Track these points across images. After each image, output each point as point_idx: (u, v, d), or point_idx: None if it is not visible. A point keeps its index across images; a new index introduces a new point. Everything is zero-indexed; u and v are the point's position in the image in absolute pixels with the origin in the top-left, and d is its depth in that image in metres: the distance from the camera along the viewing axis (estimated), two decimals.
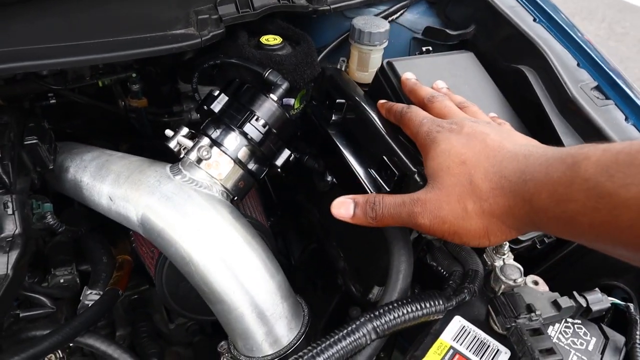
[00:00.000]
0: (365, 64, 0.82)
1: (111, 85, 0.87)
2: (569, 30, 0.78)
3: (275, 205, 1.00)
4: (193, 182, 0.61)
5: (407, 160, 0.62)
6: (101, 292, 0.71)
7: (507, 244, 0.61)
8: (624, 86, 0.72)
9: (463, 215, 0.47)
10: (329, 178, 0.74)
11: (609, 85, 0.72)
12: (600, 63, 0.74)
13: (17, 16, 0.59)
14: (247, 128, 0.61)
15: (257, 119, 0.61)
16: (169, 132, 0.64)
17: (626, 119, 0.69)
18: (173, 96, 1.02)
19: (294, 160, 0.68)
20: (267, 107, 0.63)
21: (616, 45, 3.50)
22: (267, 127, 0.62)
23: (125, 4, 0.61)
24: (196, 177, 0.61)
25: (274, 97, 0.65)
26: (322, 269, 0.96)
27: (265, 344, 0.60)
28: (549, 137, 0.71)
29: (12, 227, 0.59)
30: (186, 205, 0.58)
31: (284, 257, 1.04)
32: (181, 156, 0.63)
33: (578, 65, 0.74)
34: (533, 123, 0.74)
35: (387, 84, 0.75)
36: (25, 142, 0.67)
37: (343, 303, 0.89)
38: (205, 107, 0.62)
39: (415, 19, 0.90)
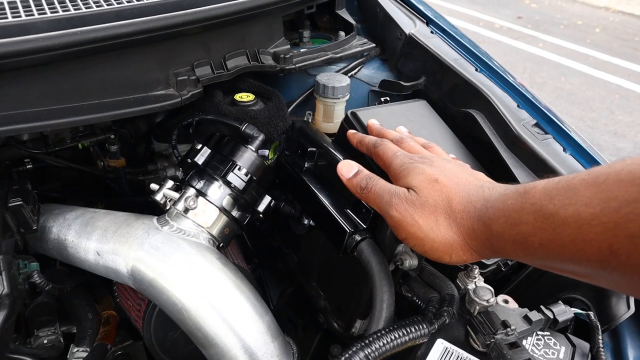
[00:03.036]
0: (330, 116, 0.85)
1: (89, 147, 0.86)
2: (506, 77, 0.84)
3: (251, 254, 0.98)
4: (181, 232, 0.60)
5: None
6: (88, 349, 0.67)
7: (477, 268, 0.63)
8: (557, 122, 0.77)
9: (433, 226, 0.49)
10: (306, 222, 0.75)
11: (545, 122, 0.77)
12: (536, 103, 0.79)
13: (2, 82, 0.58)
14: (231, 177, 0.61)
15: (239, 169, 0.62)
16: (154, 186, 0.63)
17: (564, 150, 0.74)
18: (148, 156, 1.02)
19: (273, 206, 0.68)
20: (247, 157, 0.64)
21: (538, 93, 3.74)
22: (248, 175, 0.63)
23: (108, 67, 0.62)
24: (183, 226, 0.60)
25: (252, 148, 0.66)
26: (301, 310, 0.94)
27: None
28: (501, 170, 0.74)
29: None
30: (175, 254, 0.57)
31: None
32: (167, 208, 0.62)
33: (518, 106, 0.79)
34: (485, 160, 0.77)
35: None
36: (10, 204, 0.64)
37: (323, 342, 0.87)
38: (188, 160, 0.62)
39: (372, 73, 0.95)
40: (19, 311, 0.76)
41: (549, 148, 0.74)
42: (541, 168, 0.72)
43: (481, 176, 0.55)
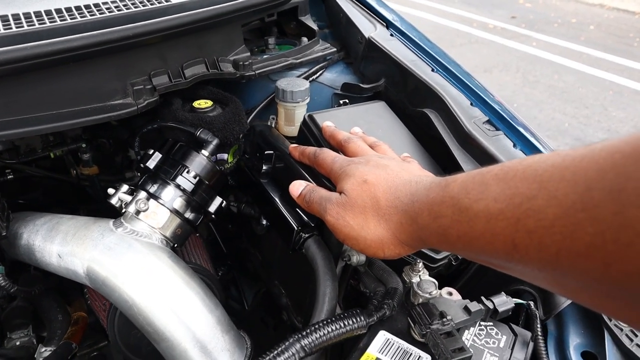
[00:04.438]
0: (291, 119, 0.87)
1: (63, 156, 0.89)
2: (461, 77, 0.86)
3: (225, 256, 1.01)
4: (134, 233, 0.62)
5: None
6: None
7: (421, 262, 0.65)
8: (509, 119, 0.79)
9: (363, 224, 0.51)
10: (264, 222, 0.77)
11: (497, 118, 0.79)
12: (489, 101, 0.81)
13: None
14: (180, 180, 0.64)
15: (188, 172, 0.64)
16: (110, 190, 0.66)
17: (514, 145, 0.76)
18: (125, 164, 1.04)
19: (226, 207, 0.70)
20: (197, 161, 0.66)
21: (531, 91, 3.75)
22: (197, 178, 0.65)
23: (66, 79, 0.64)
24: (137, 227, 0.63)
25: (205, 152, 0.68)
26: (273, 310, 0.96)
27: None
28: (453, 167, 0.76)
29: None
30: (127, 254, 0.60)
31: (238, 303, 1.04)
32: (123, 211, 0.65)
33: (471, 104, 0.81)
34: (440, 157, 0.79)
35: (310, 134, 0.79)
36: None
37: None
38: (141, 164, 0.65)
39: (335, 77, 0.97)
40: None
41: (498, 144, 0.75)
42: (490, 163, 0.73)
43: (414, 170, 0.57)
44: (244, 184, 0.78)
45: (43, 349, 0.70)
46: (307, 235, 0.65)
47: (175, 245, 0.66)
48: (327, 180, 0.64)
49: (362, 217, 0.52)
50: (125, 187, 0.65)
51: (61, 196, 1.05)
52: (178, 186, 0.64)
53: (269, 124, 0.87)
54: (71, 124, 0.64)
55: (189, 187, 0.64)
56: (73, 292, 0.84)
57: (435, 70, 0.88)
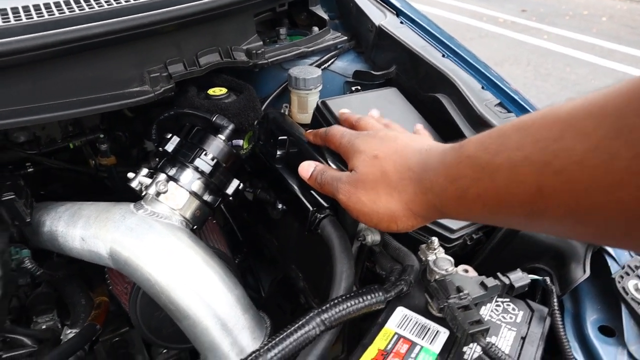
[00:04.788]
0: (304, 107, 0.89)
1: (81, 147, 0.91)
2: (472, 61, 0.87)
3: (241, 244, 1.02)
4: (154, 214, 0.64)
5: None
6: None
7: (437, 240, 0.66)
8: (521, 101, 0.80)
9: (375, 199, 0.52)
10: (280, 206, 0.78)
11: (509, 101, 0.80)
12: (500, 84, 0.82)
13: None
14: (198, 162, 0.65)
15: (205, 154, 0.66)
16: (130, 174, 0.68)
17: None
18: (141, 155, 1.06)
19: (242, 190, 0.72)
20: (214, 144, 0.68)
21: (542, 85, 3.73)
22: (215, 160, 0.67)
23: (86, 67, 0.66)
24: (157, 209, 0.65)
25: (221, 136, 0.70)
26: (289, 295, 0.98)
27: (232, 354, 0.61)
28: None
29: None
30: (148, 234, 0.61)
31: (254, 291, 1.05)
32: (143, 194, 0.67)
33: (482, 88, 0.82)
34: (452, 140, 0.80)
35: (324, 120, 0.81)
36: (3, 198, 0.69)
37: None
38: (160, 148, 0.67)
39: (346, 65, 0.98)
40: (20, 302, 0.81)
41: None
42: None
43: (424, 140, 0.57)
44: (258, 170, 0.80)
45: (68, 331, 0.72)
46: (322, 215, 0.66)
47: (195, 227, 0.67)
48: (340, 161, 0.65)
49: (373, 192, 0.52)
50: (145, 171, 0.67)
51: (79, 188, 1.07)
52: (196, 168, 0.66)
53: (282, 111, 0.89)
54: (91, 109, 0.66)
55: (207, 169, 0.66)
56: (95, 279, 0.86)
57: (445, 55, 0.89)
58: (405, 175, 0.50)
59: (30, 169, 0.91)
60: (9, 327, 0.67)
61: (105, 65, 0.69)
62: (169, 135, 0.67)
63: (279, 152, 0.77)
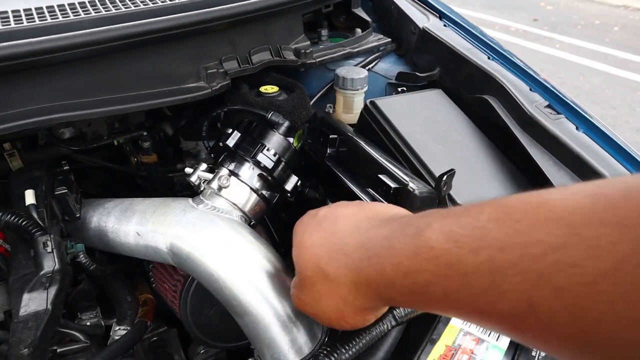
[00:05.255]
0: (350, 107, 0.90)
1: (123, 145, 0.91)
2: (518, 63, 0.88)
3: (278, 245, 1.03)
4: (215, 209, 0.64)
5: (399, 174, 0.67)
6: (129, 327, 0.72)
7: None
8: (570, 103, 0.81)
9: (316, 298, 0.46)
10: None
11: (557, 102, 0.81)
12: (547, 85, 0.83)
13: (46, 76, 0.64)
14: (260, 157, 0.66)
15: (267, 150, 0.67)
16: (188, 170, 0.68)
17: (577, 128, 0.77)
18: (176, 156, 1.07)
19: (300, 186, 0.72)
20: (275, 140, 0.69)
21: None
22: (276, 156, 0.68)
23: (145, 61, 0.68)
24: (217, 204, 0.65)
25: (280, 132, 0.71)
26: None
27: (291, 352, 0.61)
28: (517, 152, 0.78)
29: (51, 264, 0.61)
30: (210, 229, 0.62)
31: None
32: (201, 189, 0.67)
33: (530, 89, 0.83)
34: (501, 143, 0.81)
35: (372, 120, 0.82)
36: (56, 193, 0.70)
37: None
38: (220, 143, 0.67)
39: (388, 67, 0.99)
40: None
41: (562, 127, 0.77)
42: (555, 146, 0.75)
43: (369, 210, 0.47)
44: (307, 167, 0.81)
45: (117, 328, 0.72)
46: None
47: (252, 222, 0.68)
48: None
49: (314, 290, 0.45)
50: (204, 166, 0.68)
51: (113, 188, 1.07)
52: (258, 164, 0.66)
53: (326, 111, 0.90)
54: (150, 104, 0.67)
55: (269, 164, 0.67)
56: (137, 277, 0.87)
57: (491, 57, 0.90)
58: (341, 264, 0.42)
59: (66, 167, 0.92)
60: (63, 322, 0.67)
61: (164, 60, 0.70)
62: (230, 130, 0.68)
63: (329, 150, 0.78)
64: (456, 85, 0.91)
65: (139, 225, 0.67)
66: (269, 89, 0.79)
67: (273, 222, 1.03)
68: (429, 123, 0.82)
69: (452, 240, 0.33)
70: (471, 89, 0.88)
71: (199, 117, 0.98)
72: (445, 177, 0.65)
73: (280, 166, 0.69)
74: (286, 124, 0.73)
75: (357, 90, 0.87)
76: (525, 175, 0.77)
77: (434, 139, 0.80)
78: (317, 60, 0.87)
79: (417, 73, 0.93)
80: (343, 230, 0.44)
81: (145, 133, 0.89)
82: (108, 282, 0.80)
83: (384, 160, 0.72)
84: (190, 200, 0.67)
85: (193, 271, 0.62)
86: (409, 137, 0.78)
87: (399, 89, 0.92)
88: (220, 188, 0.64)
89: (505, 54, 0.89)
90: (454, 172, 0.66)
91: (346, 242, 0.43)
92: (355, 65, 0.95)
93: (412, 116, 0.82)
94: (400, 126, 0.79)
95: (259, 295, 0.60)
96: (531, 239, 0.28)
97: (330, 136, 0.78)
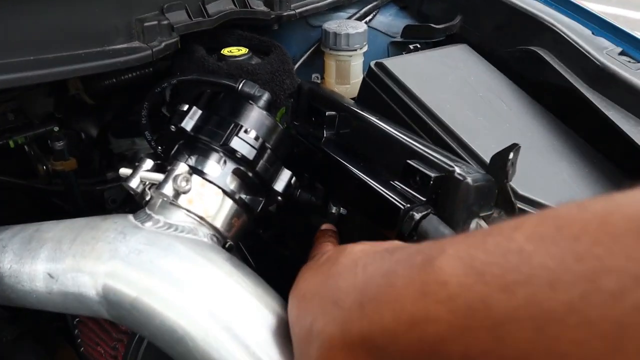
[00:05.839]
0: (346, 74, 0.78)
1: (25, 146, 0.75)
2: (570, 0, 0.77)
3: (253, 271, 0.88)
4: (170, 227, 0.49)
5: (438, 157, 0.56)
6: None
7: None
8: None
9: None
10: (334, 209, 0.65)
11: (634, 47, 0.71)
12: (616, 25, 0.73)
13: None
14: (235, 143, 0.50)
15: (245, 131, 0.51)
16: (125, 171, 0.52)
17: None
18: (105, 161, 0.92)
19: (295, 185, 0.58)
20: (255, 116, 0.53)
21: None
22: (259, 140, 0.52)
23: (46, 12, 0.52)
24: (174, 219, 0.50)
25: (260, 105, 0.56)
26: None
27: None
28: (587, 116, 0.68)
29: None
30: (167, 258, 0.47)
31: None
32: (147, 198, 0.52)
33: (593, 33, 0.73)
34: (559, 108, 0.71)
35: (381, 88, 0.71)
36: None
37: None
38: (172, 127, 0.52)
39: (389, 21, 0.88)
40: None
41: None
42: None
43: (381, 245, 0.43)
44: (297, 160, 0.67)
45: None
46: (420, 214, 0.52)
47: (229, 243, 0.53)
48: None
49: (305, 351, 0.41)
50: (149, 163, 0.52)
51: (14, 210, 0.90)
52: (232, 153, 0.51)
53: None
54: (58, 72, 0.52)
55: (249, 153, 0.51)
56: (55, 337, 0.71)
57: None
58: (330, 317, 0.37)
59: None
60: None
61: (76, 8, 0.54)
62: (185, 107, 0.52)
63: (326, 133, 0.65)
64: (485, 37, 0.81)
65: (51, 261, 0.52)
66: (235, 51, 0.65)
67: (245, 240, 0.89)
68: (459, 88, 0.72)
69: (474, 271, 0.28)
70: (508, 40, 0.78)
71: (134, 104, 0.84)
72: (510, 154, 0.52)
73: (266, 155, 0.53)
74: (265, 96, 0.58)
75: (355, 50, 0.76)
76: (602, 150, 0.66)
77: (469, 108, 0.70)
78: (298, 11, 0.74)
79: (432, 25, 0.81)
80: (340, 272, 0.40)
81: (56, 128, 0.73)
82: (9, 351, 0.63)
83: (411, 140, 0.59)
84: (130, 216, 0.51)
85: (142, 326, 0.48)
86: (436, 108, 0.67)
87: (411, 46, 0.80)
88: (177, 194, 0.49)
89: None
90: (519, 147, 0.54)
91: (339, 286, 0.38)
92: (348, 18, 0.83)
93: (436, 80, 0.72)
94: (422, 94, 0.69)
95: (250, 357, 0.45)
96: (599, 266, 0.22)
97: (327, 113, 0.66)
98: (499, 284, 0.26)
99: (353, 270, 0.38)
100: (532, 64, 0.73)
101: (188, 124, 0.51)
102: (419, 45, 0.81)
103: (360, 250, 0.42)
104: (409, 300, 0.31)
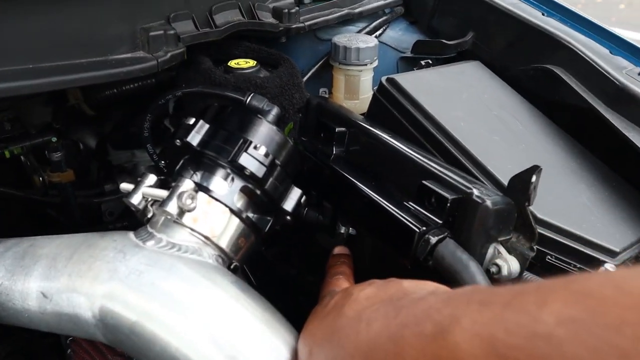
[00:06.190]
0: (355, 90, 0.77)
1: (19, 157, 0.74)
2: (586, 17, 0.76)
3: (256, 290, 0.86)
4: (174, 247, 0.47)
5: (454, 177, 0.54)
6: None
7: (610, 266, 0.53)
8: None
9: None
10: (343, 230, 0.63)
11: None
12: (633, 44, 0.71)
13: None
14: (244, 160, 0.49)
15: (255, 148, 0.49)
16: (126, 186, 0.50)
17: None
18: (103, 174, 0.90)
19: (305, 204, 0.56)
20: (264, 132, 0.52)
21: None
22: (269, 157, 0.50)
23: (46, 18, 0.50)
24: (177, 239, 0.47)
25: (270, 120, 0.54)
26: None
27: None
28: (604, 137, 0.66)
29: None
30: (169, 280, 0.44)
31: None
32: (149, 215, 0.49)
33: (610, 52, 0.71)
34: (575, 127, 0.69)
35: (392, 104, 0.69)
36: None
37: None
38: (177, 142, 0.50)
39: (398, 36, 0.87)
40: None
41: None
42: None
43: (389, 291, 0.42)
44: (304, 177, 0.65)
45: None
46: (436, 238, 0.50)
47: (234, 264, 0.50)
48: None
49: None
50: (152, 178, 0.50)
51: (8, 221, 0.88)
52: (241, 170, 0.49)
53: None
54: (58, 82, 0.50)
55: (258, 170, 0.49)
56: (47, 356, 0.68)
57: (546, 14, 0.77)
58: None
59: None
60: None
61: (78, 17, 0.53)
62: (191, 121, 0.50)
63: (335, 150, 0.64)
64: (497, 53, 0.79)
65: (45, 280, 0.50)
66: (243, 64, 0.63)
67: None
68: (473, 106, 0.70)
69: (495, 354, 0.25)
70: (521, 57, 0.76)
71: (135, 116, 0.82)
72: (533, 176, 0.50)
73: (275, 172, 0.52)
74: (274, 110, 0.56)
75: (365, 65, 0.75)
76: (621, 173, 0.64)
77: (483, 127, 0.68)
78: (307, 24, 0.73)
79: (443, 40, 0.79)
80: (345, 327, 0.38)
81: (54, 139, 0.71)
82: None
83: (425, 159, 0.57)
84: (131, 234, 0.49)
85: (141, 352, 0.45)
86: (449, 126, 0.65)
87: (423, 62, 0.78)
88: (181, 212, 0.47)
89: (568, 7, 0.77)
90: (540, 169, 0.52)
91: (342, 344, 0.37)
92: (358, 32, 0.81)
93: (449, 97, 0.70)
94: (435, 111, 0.67)
95: None
96: None
97: (337, 129, 0.64)
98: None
99: (357, 326, 0.36)
100: (547, 82, 0.71)
101: (194, 138, 0.50)
102: (430, 62, 0.79)
103: (366, 298, 0.40)
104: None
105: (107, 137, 0.88)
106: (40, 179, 0.74)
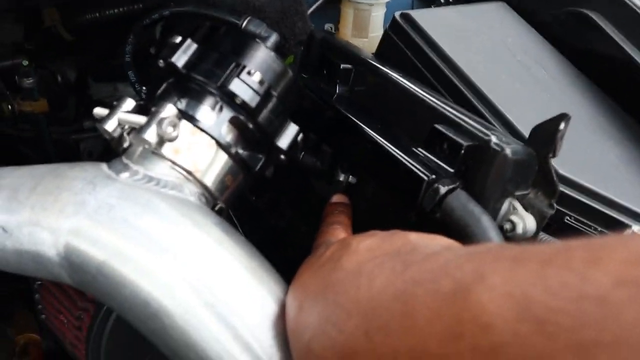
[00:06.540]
0: (364, 26, 0.75)
1: None
2: None
3: None
4: (151, 181, 0.43)
5: (471, 123, 0.50)
6: None
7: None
8: None
9: None
10: (342, 177, 0.60)
11: None
12: None
13: None
14: (236, 86, 0.44)
15: (248, 73, 0.45)
16: (100, 110, 0.46)
17: None
18: (82, 108, 0.87)
19: (300, 145, 0.52)
20: (261, 57, 0.47)
21: None
22: (264, 84, 0.46)
23: None
24: (156, 171, 0.43)
25: (268, 45, 0.50)
26: None
27: None
28: (637, 91, 0.63)
29: None
30: (144, 218, 0.41)
31: None
32: (125, 144, 0.45)
33: None
34: (605, 79, 0.66)
35: (405, 43, 0.67)
36: None
37: None
38: (161, 62, 0.45)
39: None
40: None
41: None
42: None
43: (394, 243, 0.38)
44: (302, 117, 0.62)
45: None
46: (447, 187, 0.47)
47: (219, 205, 0.47)
48: None
49: None
50: (130, 103, 0.46)
51: None
52: (231, 98, 0.45)
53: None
54: None
55: (251, 99, 0.45)
56: (12, 302, 0.67)
57: None
58: (328, 342, 0.32)
59: None
60: None
61: None
62: (178, 39, 0.46)
63: (339, 89, 0.61)
64: None
65: (4, 213, 0.46)
66: None
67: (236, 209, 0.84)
68: (495, 49, 0.69)
69: (530, 316, 0.22)
70: (553, 1, 0.73)
71: (119, 45, 0.77)
72: (561, 125, 0.47)
73: (270, 104, 0.47)
74: (273, 37, 0.52)
75: None
76: None
77: (505, 72, 0.66)
78: None
79: None
80: (341, 280, 0.35)
81: (25, 62, 0.66)
82: None
83: (439, 102, 0.54)
84: (104, 165, 0.45)
85: (109, 296, 0.42)
86: (467, 69, 0.63)
87: (442, 0, 0.74)
88: (161, 142, 0.42)
89: None
90: (569, 117, 0.48)
91: (339, 301, 0.33)
92: None
93: (468, 38, 0.69)
94: (452, 52, 0.66)
95: (237, 341, 0.40)
96: None
97: (342, 66, 0.61)
98: (570, 341, 0.20)
99: (356, 281, 0.33)
100: (581, 28, 0.69)
101: (180, 59, 0.45)
102: (450, 0, 0.76)
103: (367, 249, 0.37)
104: (434, 342, 0.25)
105: (87, 69, 0.83)
106: (10, 107, 0.70)
